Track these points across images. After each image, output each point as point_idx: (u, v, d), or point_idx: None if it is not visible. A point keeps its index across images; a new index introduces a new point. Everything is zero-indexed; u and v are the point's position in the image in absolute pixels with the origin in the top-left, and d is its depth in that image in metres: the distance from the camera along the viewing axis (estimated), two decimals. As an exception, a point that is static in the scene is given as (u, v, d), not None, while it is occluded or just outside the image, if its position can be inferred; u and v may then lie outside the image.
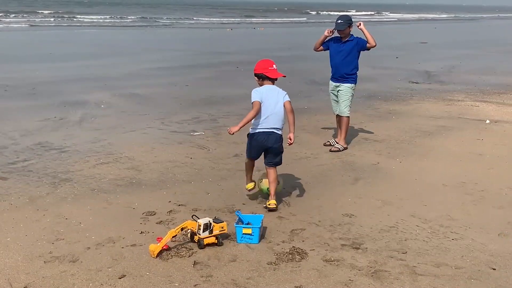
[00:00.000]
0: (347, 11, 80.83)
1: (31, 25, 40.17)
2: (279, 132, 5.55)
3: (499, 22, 72.04)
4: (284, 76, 5.67)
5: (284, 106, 5.52)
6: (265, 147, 5.55)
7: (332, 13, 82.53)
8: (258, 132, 5.51)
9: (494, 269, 4.37)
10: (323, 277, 4.18)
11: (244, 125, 5.43)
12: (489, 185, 6.46)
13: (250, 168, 5.84)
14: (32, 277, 4.14)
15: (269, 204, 5.53)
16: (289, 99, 5.56)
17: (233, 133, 5.36)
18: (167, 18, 57.65)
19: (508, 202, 5.92)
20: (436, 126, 9.64)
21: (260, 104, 5.43)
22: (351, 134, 8.88)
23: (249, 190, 5.91)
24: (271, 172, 5.64)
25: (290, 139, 5.52)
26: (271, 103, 5.47)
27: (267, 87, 5.56)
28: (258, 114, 5.45)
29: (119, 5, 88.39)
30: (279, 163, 5.71)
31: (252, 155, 5.71)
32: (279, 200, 5.82)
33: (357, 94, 12.66)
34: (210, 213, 5.38)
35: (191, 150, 7.87)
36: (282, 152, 5.66)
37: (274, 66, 5.57)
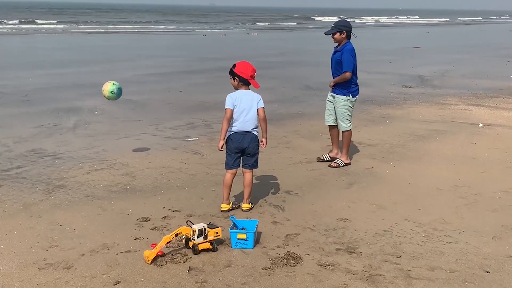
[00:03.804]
0: (342, 17, 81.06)
1: (24, 32, 40.12)
2: (255, 133, 5.62)
3: (491, 26, 72.44)
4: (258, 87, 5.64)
5: (257, 112, 5.57)
6: (242, 148, 5.60)
7: (326, 18, 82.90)
8: (234, 133, 5.60)
9: (488, 272, 4.38)
10: (318, 282, 4.18)
11: (224, 135, 5.61)
12: (482, 189, 6.48)
13: (228, 184, 5.68)
14: (26, 284, 4.12)
15: (242, 208, 5.71)
16: (263, 106, 5.60)
17: (222, 147, 5.63)
18: (160, 23, 57.69)
19: (501, 205, 5.94)
20: (430, 130, 9.68)
21: (232, 111, 5.54)
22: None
23: (223, 211, 5.64)
24: (247, 175, 5.74)
25: (263, 143, 5.68)
26: (245, 109, 5.54)
27: (242, 92, 5.60)
28: (230, 120, 5.57)
29: (110, 12, 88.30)
30: (255, 165, 5.76)
31: (230, 162, 5.67)
32: (273, 205, 5.84)
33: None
34: (204, 219, 5.38)
35: (185, 155, 7.87)
36: (257, 153, 5.72)
37: (255, 74, 5.61)
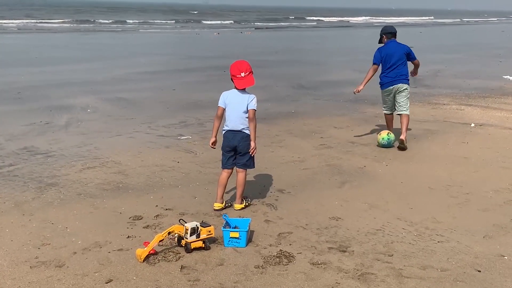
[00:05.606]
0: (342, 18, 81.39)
1: (15, 30, 39.91)
2: (247, 132, 5.60)
3: (484, 26, 72.75)
4: (252, 84, 5.53)
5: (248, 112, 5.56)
6: (232, 146, 5.61)
7: (328, 19, 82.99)
8: (226, 131, 5.63)
9: (479, 271, 4.41)
10: (310, 280, 4.19)
11: (215, 133, 5.69)
12: (474, 188, 6.51)
13: (222, 183, 5.70)
14: (18, 283, 4.10)
15: (234, 208, 5.71)
16: (254, 107, 5.53)
17: (214, 144, 5.70)
18: (153, 22, 57.54)
19: (492, 205, 5.97)
20: (422, 129, 9.71)
21: (223, 109, 5.61)
22: (338, 137, 8.94)
23: (215, 210, 5.64)
24: (239, 174, 5.73)
25: (251, 147, 5.60)
26: (235, 107, 5.55)
27: (234, 91, 5.61)
28: (221, 118, 5.65)
29: (104, 10, 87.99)
30: (248, 165, 5.72)
31: (224, 160, 5.71)
32: (266, 204, 5.85)
33: (344, 98, 12.80)
34: (197, 217, 5.38)
35: (178, 154, 7.86)
36: (249, 152, 5.65)
37: (242, 73, 5.50)
